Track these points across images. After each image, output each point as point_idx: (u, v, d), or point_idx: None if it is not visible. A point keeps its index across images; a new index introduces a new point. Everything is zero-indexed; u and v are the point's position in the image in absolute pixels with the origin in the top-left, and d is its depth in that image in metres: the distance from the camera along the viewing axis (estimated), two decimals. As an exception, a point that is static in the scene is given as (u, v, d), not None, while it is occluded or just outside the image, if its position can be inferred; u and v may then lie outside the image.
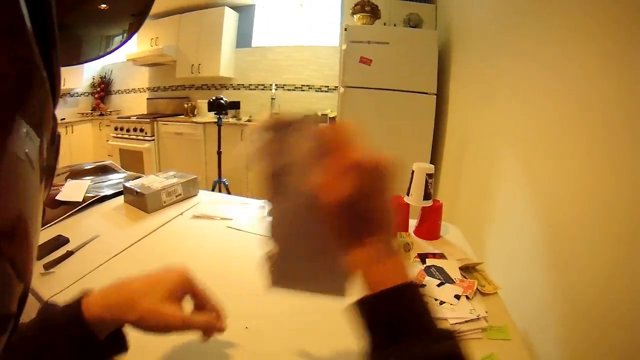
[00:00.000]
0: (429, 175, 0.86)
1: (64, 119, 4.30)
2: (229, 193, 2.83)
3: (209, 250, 0.87)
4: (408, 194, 0.89)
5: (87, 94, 4.91)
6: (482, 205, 1.39)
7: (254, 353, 0.53)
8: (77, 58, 0.30)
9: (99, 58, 0.32)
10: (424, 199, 0.87)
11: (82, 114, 4.70)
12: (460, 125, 2.02)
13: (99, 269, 0.77)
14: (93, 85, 4.87)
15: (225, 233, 0.97)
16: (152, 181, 1.16)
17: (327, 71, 3.38)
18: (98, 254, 0.83)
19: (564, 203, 0.83)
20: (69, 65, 0.27)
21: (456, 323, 0.57)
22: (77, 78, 4.61)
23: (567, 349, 0.73)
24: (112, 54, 0.33)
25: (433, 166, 0.88)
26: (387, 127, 2.40)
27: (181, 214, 1.08)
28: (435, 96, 2.28)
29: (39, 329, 0.37)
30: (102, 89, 4.84)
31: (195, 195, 1.25)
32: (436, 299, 0.63)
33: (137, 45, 4.18)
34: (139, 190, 1.08)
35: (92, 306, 0.37)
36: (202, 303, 0.46)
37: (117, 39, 0.32)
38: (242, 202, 1.20)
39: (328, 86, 3.43)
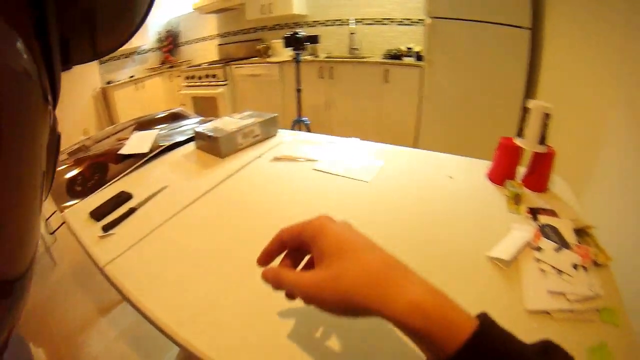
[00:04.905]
0: (547, 116, 0.77)
1: (132, 76, 4.48)
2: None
3: (294, 196, 0.79)
4: (520, 135, 0.80)
5: (154, 50, 5.04)
6: (584, 159, 1.29)
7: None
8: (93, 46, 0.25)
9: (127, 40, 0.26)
10: (539, 143, 0.77)
11: (151, 69, 4.86)
12: (558, 70, 1.88)
13: (166, 224, 0.71)
14: (160, 40, 5.00)
15: (311, 176, 0.87)
16: (226, 123, 1.09)
17: (410, 3, 3.12)
18: (165, 207, 0.77)
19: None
20: (91, 60, 0.25)
21: (575, 300, 0.49)
22: (142, 35, 4.65)
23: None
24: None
25: (552, 106, 0.77)
26: (475, 63, 2.30)
27: (259, 156, 1.00)
28: (530, 31, 2.08)
29: None
30: (170, 42, 4.96)
31: (274, 135, 1.17)
32: (554, 267, 0.54)
33: (202, -6, 4.16)
34: (211, 134, 1.01)
35: None
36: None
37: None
38: (328, 141, 1.09)
39: (410, 19, 3.19)
